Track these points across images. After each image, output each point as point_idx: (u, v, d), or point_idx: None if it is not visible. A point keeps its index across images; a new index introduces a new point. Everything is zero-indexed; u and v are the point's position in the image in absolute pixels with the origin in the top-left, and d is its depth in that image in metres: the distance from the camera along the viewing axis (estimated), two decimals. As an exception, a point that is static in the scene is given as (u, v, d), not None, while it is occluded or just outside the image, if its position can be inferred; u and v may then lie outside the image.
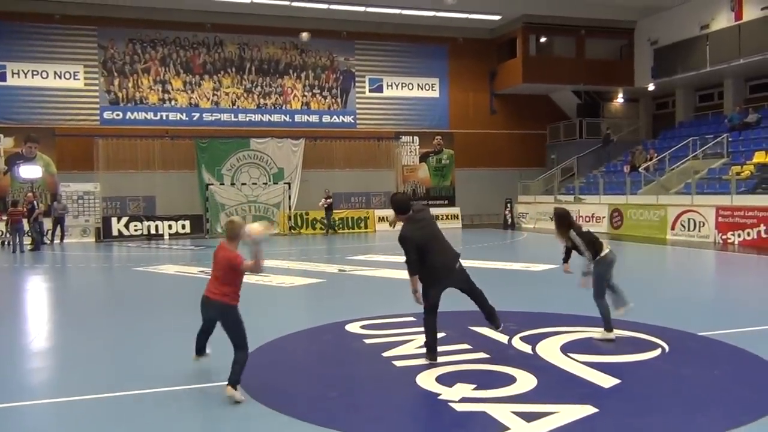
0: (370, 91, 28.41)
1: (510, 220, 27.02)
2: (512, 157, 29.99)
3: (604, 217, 23.29)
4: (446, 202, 29.23)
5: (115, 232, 23.86)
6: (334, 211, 25.83)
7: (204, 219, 25.15)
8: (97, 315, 9.97)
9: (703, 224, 19.00)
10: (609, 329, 7.08)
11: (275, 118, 27.11)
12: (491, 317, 6.71)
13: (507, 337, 7.26)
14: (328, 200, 25.35)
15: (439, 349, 6.41)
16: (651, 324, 7.71)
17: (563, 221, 7.28)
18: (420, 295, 6.31)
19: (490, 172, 29.40)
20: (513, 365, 6.13)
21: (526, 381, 5.64)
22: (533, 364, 6.20)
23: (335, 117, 27.96)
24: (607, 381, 5.59)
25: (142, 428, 4.93)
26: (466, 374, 5.93)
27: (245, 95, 26.76)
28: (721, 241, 18.16)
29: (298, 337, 7.73)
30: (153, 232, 24.22)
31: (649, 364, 6.19)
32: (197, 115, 26.17)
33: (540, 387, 5.49)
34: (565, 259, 7.52)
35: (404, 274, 12.73)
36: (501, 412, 4.86)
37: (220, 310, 5.54)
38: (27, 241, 20.48)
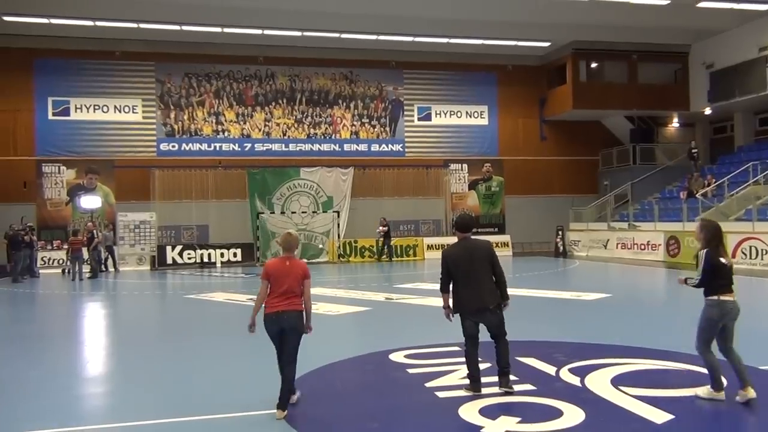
0: (419, 119, 28.52)
1: (561, 248, 26.50)
2: (563, 183, 29.51)
3: (660, 245, 22.59)
4: (496, 229, 28.88)
5: (169, 260, 24.42)
6: (392, 238, 26.01)
7: (255, 247, 25.51)
8: (149, 341, 10.17)
9: (766, 252, 18.22)
10: (718, 388, 5.86)
11: (325, 147, 27.46)
12: (503, 374, 6.14)
13: (555, 369, 7.05)
14: (384, 228, 25.47)
15: (484, 380, 6.25)
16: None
17: (718, 235, 6.12)
18: (449, 312, 6.42)
19: (540, 199, 28.99)
20: (560, 398, 5.93)
21: (573, 415, 5.44)
22: (582, 397, 5.98)
23: (384, 146, 28.14)
24: (659, 416, 5.34)
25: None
26: (511, 407, 5.76)
27: (296, 125, 27.23)
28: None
29: (341, 366, 7.68)
30: (206, 260, 24.69)
31: (706, 402, 5.88)
32: (249, 145, 26.74)
33: (588, 421, 5.28)
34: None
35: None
36: (546, 448, 4.69)
37: (296, 320, 5.82)
38: (86, 269, 21.14)
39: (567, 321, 10.79)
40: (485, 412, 5.59)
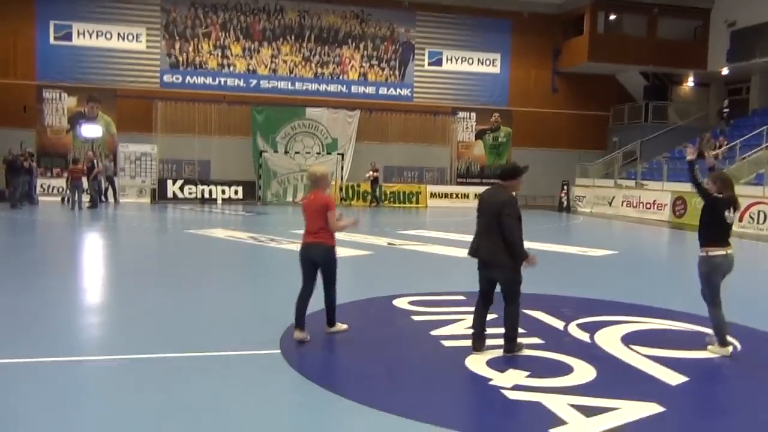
0: (429, 64, 27.82)
1: (565, 203, 26.24)
2: (572, 138, 29.01)
3: (666, 205, 22.33)
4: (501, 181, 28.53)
5: (169, 194, 24.19)
6: (382, 184, 25.59)
7: (257, 186, 25.24)
8: (148, 275, 10.00)
9: (775, 217, 17.97)
10: (724, 344, 5.89)
11: (332, 87, 26.85)
12: (504, 338, 5.76)
13: (563, 323, 6.88)
14: (375, 173, 25.08)
15: (491, 331, 6.01)
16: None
17: (729, 185, 6.05)
18: None
19: (547, 152, 28.53)
20: (569, 353, 5.75)
21: (584, 372, 5.26)
22: (592, 353, 5.81)
23: (392, 89, 27.53)
24: (673, 378, 5.16)
25: (182, 393, 4.79)
26: (519, 360, 5.59)
27: (303, 63, 26.56)
28: None
29: (344, 309, 7.42)
30: (206, 196, 24.46)
31: (718, 363, 5.73)
32: (254, 81, 26.14)
33: (599, 379, 5.11)
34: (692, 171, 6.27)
35: (455, 251, 12.46)
36: (557, 404, 4.52)
37: (324, 251, 6.01)
38: (85, 198, 20.91)
39: (573, 276, 10.60)
40: (493, 364, 5.42)
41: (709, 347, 6.00)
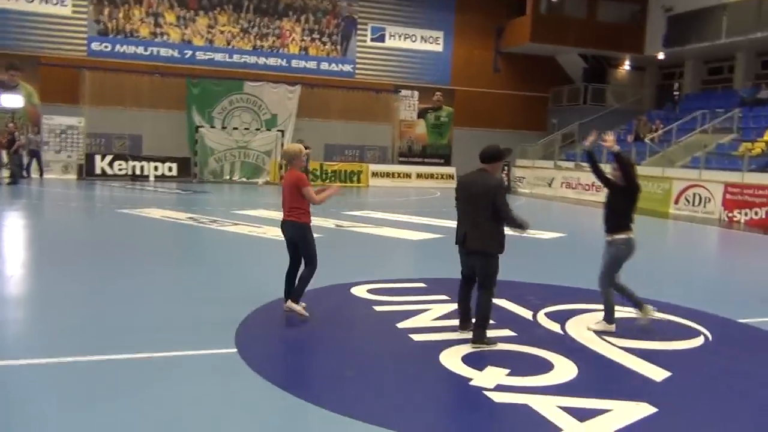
0: (372, 40, 27.23)
1: (506, 184, 26.33)
2: (512, 119, 29.09)
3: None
4: (442, 161, 28.45)
5: (98, 171, 22.84)
6: (323, 163, 25.00)
7: (192, 162, 24.18)
8: (77, 260, 9.18)
9: (709, 200, 18.45)
10: (611, 321, 6.07)
11: (271, 61, 25.92)
12: (476, 328, 5.52)
13: (531, 313, 6.63)
14: (307, 150, 24.03)
15: (451, 323, 5.73)
16: (683, 306, 7.11)
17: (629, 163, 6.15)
18: None
19: (488, 132, 28.38)
20: (545, 347, 5.48)
21: (565, 368, 4.99)
22: (568, 346, 5.56)
23: (334, 65, 26.82)
24: (656, 373, 4.95)
25: (129, 401, 4.21)
26: (495, 356, 5.28)
27: (241, 35, 25.49)
28: (726, 219, 17.63)
29: (302, 298, 7.01)
30: (138, 172, 23.23)
31: (697, 355, 5.57)
32: (190, 52, 24.92)
33: (582, 376, 4.85)
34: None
35: (406, 234, 12.12)
36: (546, 407, 4.21)
37: (295, 229, 6.13)
38: (5, 173, 19.45)
39: (528, 260, 10.40)
40: (469, 360, 5.09)
41: (596, 324, 6.10)
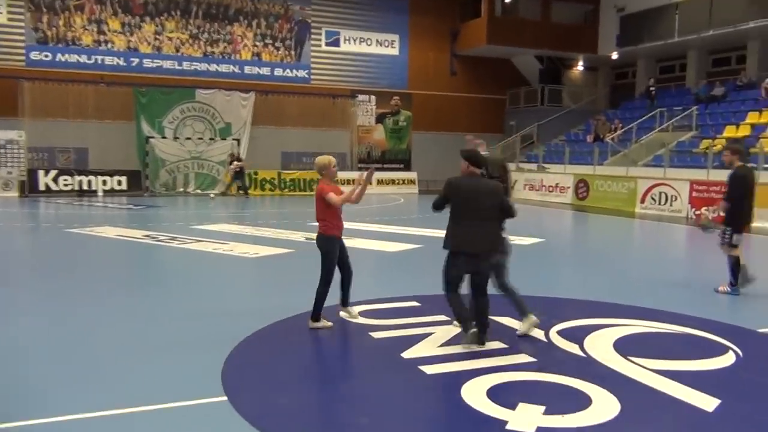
0: (327, 44, 26.56)
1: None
2: (471, 121, 28.73)
3: (568, 188, 22.50)
4: (402, 166, 27.95)
5: (42, 187, 21.47)
6: (284, 171, 24.20)
7: (143, 175, 23.01)
8: (23, 289, 8.22)
9: (676, 198, 18.41)
10: (525, 314, 6.04)
11: (223, 68, 24.97)
12: (482, 334, 5.60)
13: (542, 332, 6.07)
14: (238, 163, 22.12)
15: (455, 351, 5.19)
16: (693, 315, 6.69)
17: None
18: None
19: (448, 136, 28.10)
20: (573, 375, 4.92)
21: (604, 401, 4.43)
22: (596, 373, 5.01)
23: (288, 70, 26.03)
24: (705, 402, 4.44)
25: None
26: (521, 388, 4.70)
27: (191, 41, 24.46)
28: (693, 216, 17.58)
29: (286, 327, 6.29)
30: (85, 187, 21.95)
31: (736, 376, 5.07)
32: (136, 60, 23.77)
33: (627, 411, 4.28)
34: None
35: (379, 245, 11.47)
36: (603, 455, 3.64)
37: (320, 241, 6.12)
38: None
39: (519, 270, 9.88)
40: (495, 395, 4.47)
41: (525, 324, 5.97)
